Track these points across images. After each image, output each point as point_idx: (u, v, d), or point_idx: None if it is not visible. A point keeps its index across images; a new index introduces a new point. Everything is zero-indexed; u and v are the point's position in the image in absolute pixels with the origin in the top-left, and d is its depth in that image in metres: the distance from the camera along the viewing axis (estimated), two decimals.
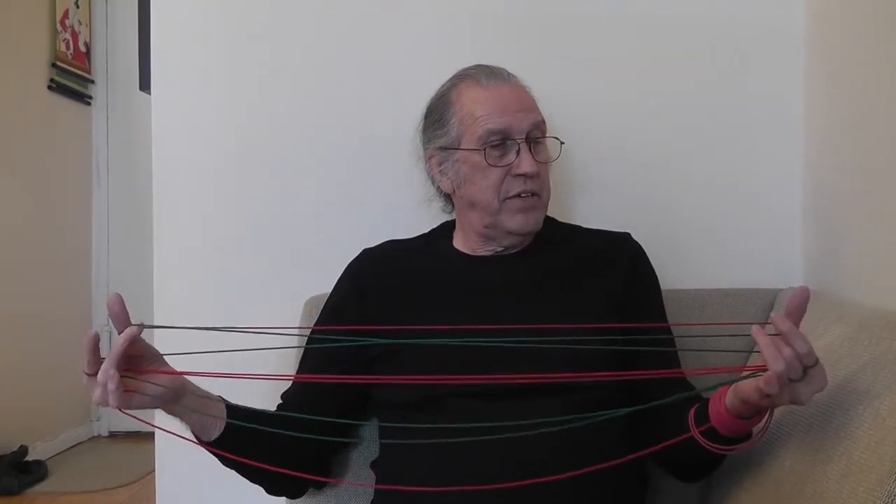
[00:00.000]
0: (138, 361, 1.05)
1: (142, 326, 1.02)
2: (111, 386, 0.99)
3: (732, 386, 1.03)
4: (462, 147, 1.29)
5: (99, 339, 1.01)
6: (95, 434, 4.50)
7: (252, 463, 1.14)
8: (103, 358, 1.01)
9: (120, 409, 1.03)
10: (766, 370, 0.94)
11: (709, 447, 1.07)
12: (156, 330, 1.06)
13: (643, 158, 1.64)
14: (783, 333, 0.94)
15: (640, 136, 1.64)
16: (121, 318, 1.01)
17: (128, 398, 1.03)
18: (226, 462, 1.22)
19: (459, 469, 1.18)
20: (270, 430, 1.25)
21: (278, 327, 1.09)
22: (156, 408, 1.11)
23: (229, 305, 1.66)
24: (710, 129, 1.64)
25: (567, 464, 1.13)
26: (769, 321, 0.96)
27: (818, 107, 1.56)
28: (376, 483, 1.32)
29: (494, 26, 1.64)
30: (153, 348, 1.08)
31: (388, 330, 1.17)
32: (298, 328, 1.46)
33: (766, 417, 1.04)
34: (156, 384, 1.06)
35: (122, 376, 1.00)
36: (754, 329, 0.96)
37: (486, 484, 1.14)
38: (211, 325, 1.02)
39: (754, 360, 1.01)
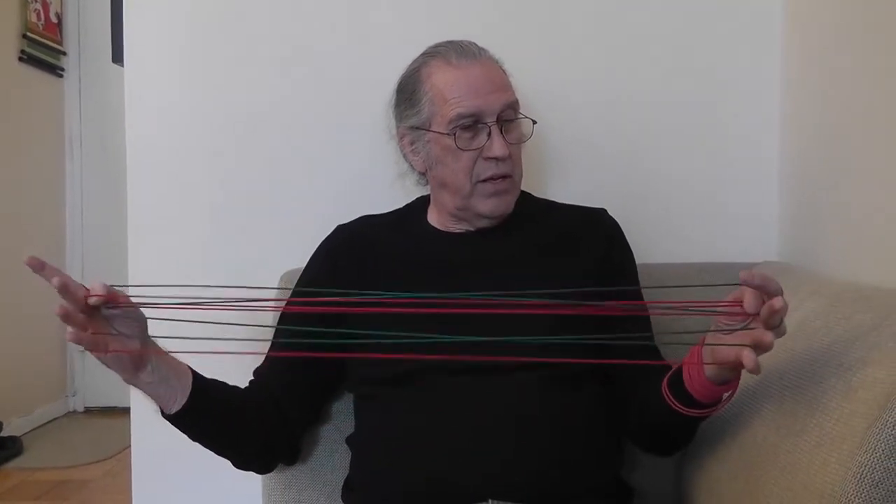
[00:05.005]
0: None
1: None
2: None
3: (710, 352, 1.03)
4: (433, 129, 1.28)
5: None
6: (71, 409, 4.47)
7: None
8: None
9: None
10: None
11: (685, 411, 1.09)
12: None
13: (617, 135, 1.64)
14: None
15: (613, 113, 1.63)
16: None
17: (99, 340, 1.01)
18: (193, 433, 1.21)
19: (436, 439, 1.19)
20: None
21: (252, 299, 1.07)
22: (125, 353, 1.05)
23: (203, 281, 1.64)
24: (684, 105, 1.63)
25: (544, 432, 1.18)
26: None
27: (794, 83, 1.56)
28: (352, 459, 1.32)
29: (468, 3, 1.62)
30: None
31: (360, 301, 1.16)
32: (272, 299, 1.44)
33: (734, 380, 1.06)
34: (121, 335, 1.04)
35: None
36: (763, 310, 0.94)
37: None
38: (184, 300, 1.01)
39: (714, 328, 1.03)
